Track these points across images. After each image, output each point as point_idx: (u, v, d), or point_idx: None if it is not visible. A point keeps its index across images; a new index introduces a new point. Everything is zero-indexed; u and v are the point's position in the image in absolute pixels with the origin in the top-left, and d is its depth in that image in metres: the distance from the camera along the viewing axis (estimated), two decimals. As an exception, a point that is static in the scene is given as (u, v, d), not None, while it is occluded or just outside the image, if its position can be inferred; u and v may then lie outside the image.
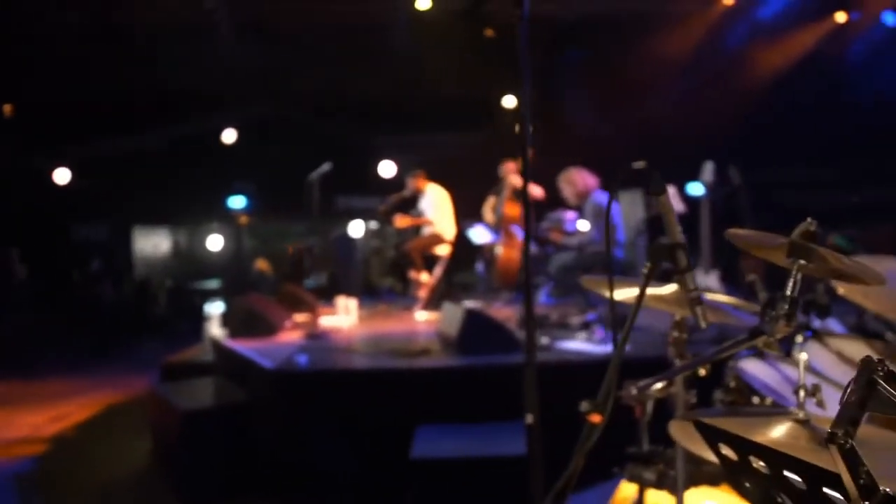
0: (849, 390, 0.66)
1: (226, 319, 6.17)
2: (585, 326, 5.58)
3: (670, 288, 1.50)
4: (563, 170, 6.44)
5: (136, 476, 5.16)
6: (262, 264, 13.01)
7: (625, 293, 1.76)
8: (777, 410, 1.35)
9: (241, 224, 12.69)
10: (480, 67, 10.91)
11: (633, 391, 1.26)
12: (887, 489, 0.58)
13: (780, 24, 9.79)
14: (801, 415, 1.02)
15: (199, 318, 11.46)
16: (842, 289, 1.96)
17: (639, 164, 1.31)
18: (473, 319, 4.85)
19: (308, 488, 4.34)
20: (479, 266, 8.73)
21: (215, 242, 13.57)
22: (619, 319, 4.96)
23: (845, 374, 1.97)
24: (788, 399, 1.69)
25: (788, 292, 1.23)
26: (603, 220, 5.71)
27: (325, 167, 5.91)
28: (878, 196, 10.66)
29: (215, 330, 7.42)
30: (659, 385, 1.28)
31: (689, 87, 10.77)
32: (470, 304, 7.55)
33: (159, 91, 11.26)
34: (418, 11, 9.26)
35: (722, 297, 1.66)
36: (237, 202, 14.42)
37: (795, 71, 10.09)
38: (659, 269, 1.31)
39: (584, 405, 1.16)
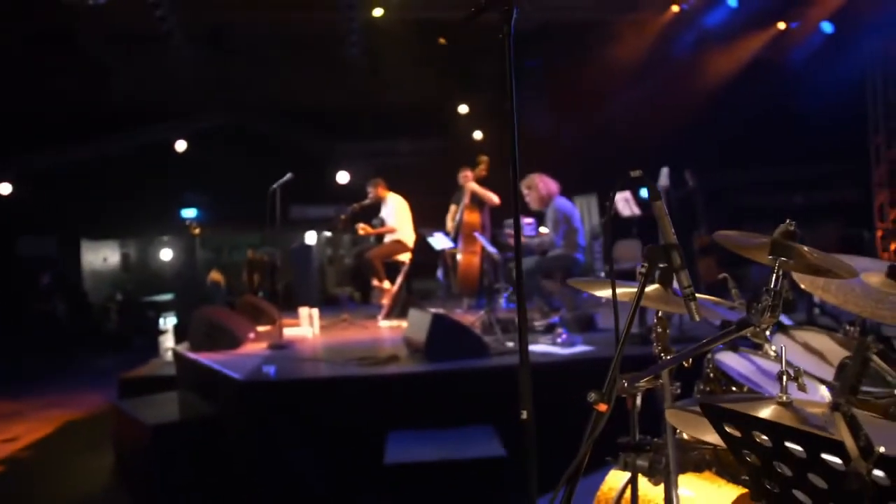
0: (847, 366, 0.76)
1: (187, 332, 6.09)
2: (550, 329, 5.69)
3: (653, 287, 1.59)
4: (522, 176, 6.57)
5: (99, 493, 5.06)
6: (215, 276, 12.83)
7: (603, 293, 1.85)
8: (756, 396, 1.45)
9: (194, 235, 12.47)
10: (435, 75, 11.03)
11: (625, 384, 1.34)
12: (882, 449, 0.67)
13: (727, 31, 10.14)
14: (784, 398, 1.12)
15: (153, 333, 11.25)
16: (805, 284, 2.09)
17: (636, 173, 1.40)
18: (441, 325, 4.91)
19: (281, 499, 4.33)
20: (440, 273, 8.80)
21: (167, 255, 13.35)
22: (583, 320, 5.08)
23: (812, 363, 2.10)
24: (762, 387, 1.80)
25: (772, 286, 1.33)
26: (565, 224, 5.85)
27: (287, 177, 5.90)
28: (822, 197, 11.13)
29: (171, 343, 7.32)
30: (648, 378, 1.37)
31: (643, 94, 11.07)
32: (432, 310, 7.63)
33: (108, 101, 11.04)
34: (373, 20, 9.31)
35: (703, 296, 1.76)
36: (190, 213, 14.22)
37: (743, 77, 10.46)
38: (654, 270, 1.40)
39: (591, 395, 1.24)
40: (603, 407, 1.20)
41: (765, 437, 0.81)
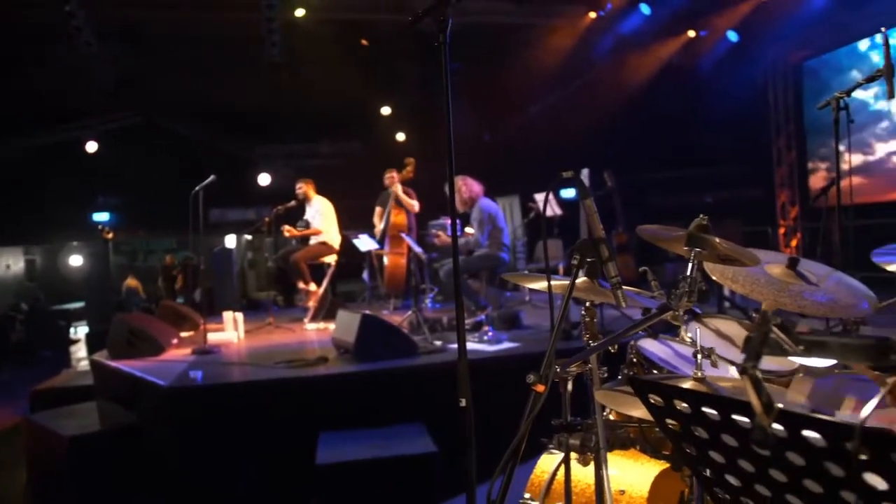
0: (752, 337, 0.87)
1: (105, 340, 5.89)
2: (476, 327, 5.81)
3: (582, 279, 1.70)
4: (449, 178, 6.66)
5: (12, 512, 4.85)
6: (131, 282, 12.42)
7: (538, 285, 1.96)
8: (675, 376, 1.58)
9: (107, 240, 12.00)
10: (357, 77, 11.01)
11: (557, 369, 1.44)
12: (781, 405, 0.78)
13: (641, 38, 10.56)
14: (698, 374, 1.24)
15: (63, 343, 10.77)
16: (716, 275, 2.26)
17: (568, 173, 1.49)
18: (370, 325, 4.95)
19: (210, 504, 4.28)
20: (365, 274, 8.81)
21: (77, 261, 12.82)
22: (508, 318, 5.21)
23: (722, 347, 2.27)
24: (679, 369, 1.94)
25: (688, 274, 1.46)
26: (489, 224, 5.98)
27: (210, 179, 5.80)
28: (729, 196, 11.72)
29: (83, 353, 7.06)
30: (578, 363, 1.47)
31: (563, 97, 11.39)
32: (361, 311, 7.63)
33: (13, 98, 10.51)
34: (294, 20, 9.24)
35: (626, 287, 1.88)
36: (102, 217, 13.69)
37: (657, 81, 10.92)
38: (584, 262, 1.50)
39: (530, 377, 1.32)
40: (541, 388, 1.29)
41: (684, 405, 0.92)
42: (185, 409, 4.44)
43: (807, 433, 0.79)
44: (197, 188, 5.75)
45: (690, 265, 1.50)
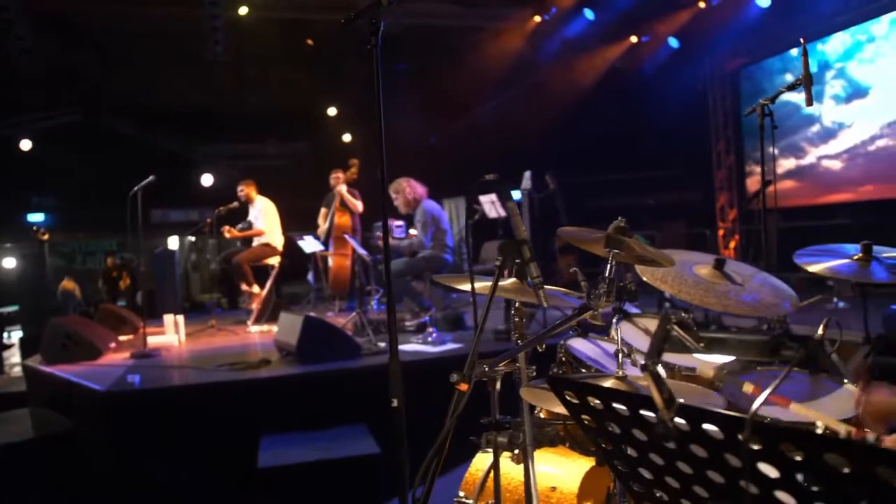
0: (654, 334, 0.91)
1: (39, 345, 5.70)
2: (421, 329, 5.83)
3: (511, 280, 1.73)
4: (390, 180, 6.66)
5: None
6: (68, 284, 12.02)
7: (467, 287, 1.99)
8: (600, 374, 1.63)
9: (42, 241, 11.59)
10: (302, 77, 10.91)
11: (485, 368, 1.47)
12: (682, 400, 0.82)
13: (585, 42, 10.75)
14: (620, 373, 1.28)
15: (-5, 348, 10.36)
16: (646, 276, 2.32)
17: (491, 176, 1.53)
18: (312, 327, 4.92)
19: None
20: (310, 276, 8.74)
21: (10, 263, 12.35)
22: (452, 319, 5.24)
23: (650, 347, 2.34)
24: (608, 368, 2.00)
25: (607, 275, 1.50)
26: (433, 226, 6.00)
27: (149, 179, 5.68)
28: (670, 198, 12.01)
29: (17, 359, 6.82)
30: (505, 362, 1.50)
31: (509, 99, 11.49)
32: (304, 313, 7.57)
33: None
34: (238, 18, 9.11)
35: (552, 287, 1.93)
36: (37, 218, 13.22)
37: (601, 85, 11.12)
38: (508, 263, 1.53)
39: (453, 376, 1.34)
40: (464, 386, 1.32)
41: (597, 401, 0.95)
42: (123, 413, 4.34)
43: (706, 426, 0.83)
44: (136, 188, 5.62)
45: (609, 266, 1.55)
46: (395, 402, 1.65)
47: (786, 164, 10.11)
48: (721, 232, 11.35)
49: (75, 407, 4.69)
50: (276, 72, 10.88)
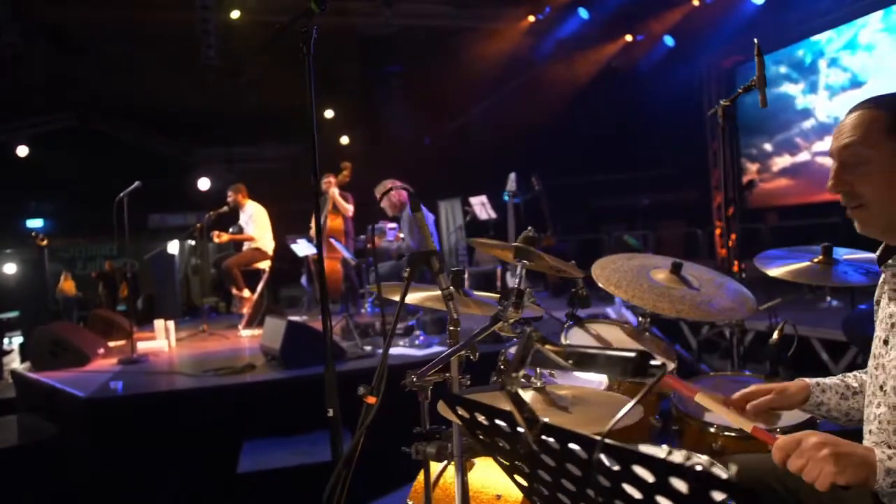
0: (515, 352, 0.90)
1: (29, 351, 5.74)
2: (408, 332, 5.83)
3: (447, 288, 1.72)
4: (377, 182, 6.65)
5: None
6: (66, 284, 12.05)
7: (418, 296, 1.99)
8: (526, 384, 1.61)
9: (41, 247, 11.63)
10: (298, 80, 10.90)
11: (413, 378, 1.47)
12: (546, 419, 0.81)
13: (580, 42, 10.72)
14: (538, 384, 1.28)
15: (-4, 355, 10.40)
16: (601, 282, 2.32)
17: (392, 183, 1.52)
18: (295, 331, 4.93)
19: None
20: (304, 279, 8.75)
21: (10, 269, 12.40)
22: (440, 322, 5.22)
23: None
24: (546, 377, 1.99)
25: (516, 285, 1.50)
26: (419, 229, 6.00)
27: (135, 185, 5.70)
28: (667, 198, 11.98)
29: (17, 364, 6.85)
30: (433, 371, 1.50)
31: (505, 99, 11.48)
32: (295, 317, 7.57)
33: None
34: (230, 22, 9.12)
35: (490, 295, 1.93)
36: (36, 223, 13.29)
37: (596, 85, 11.09)
38: (418, 273, 1.53)
39: (360, 389, 1.35)
40: (371, 399, 1.32)
41: (482, 417, 0.95)
42: (105, 419, 4.35)
43: (571, 445, 0.83)
44: (121, 194, 5.65)
45: (518, 276, 1.54)
46: (330, 412, 1.65)
47: (780, 161, 10.07)
48: (717, 231, 11.31)
49: (59, 413, 4.71)
50: (271, 75, 10.89)
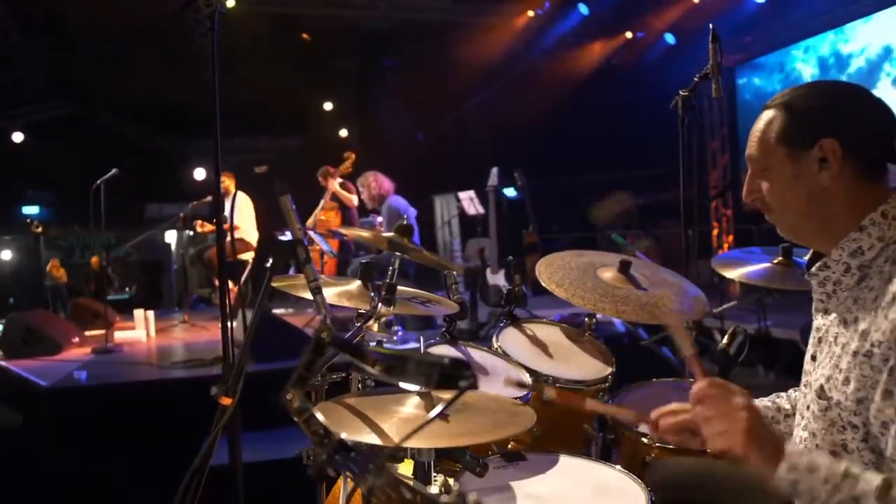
0: (301, 360, 0.82)
1: (2, 339, 5.68)
2: (387, 326, 5.74)
3: (356, 284, 1.64)
4: (360, 174, 6.56)
5: None
6: (55, 269, 11.99)
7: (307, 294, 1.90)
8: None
9: (37, 235, 11.56)
10: (295, 71, 10.83)
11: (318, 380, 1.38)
12: (343, 435, 0.72)
13: (579, 38, 10.60)
14: (350, 400, 1.20)
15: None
16: (543, 280, 2.22)
17: (260, 168, 1.44)
18: (265, 324, 4.85)
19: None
20: (292, 272, 8.67)
21: (6, 255, 12.38)
22: (419, 318, 5.12)
23: (532, 353, 2.24)
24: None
25: (388, 280, 1.41)
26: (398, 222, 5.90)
27: (112, 172, 5.65)
28: (665, 197, 11.82)
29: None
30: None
31: (501, 95, 11.36)
32: (280, 310, 7.51)
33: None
34: (225, 12, 9.02)
35: (416, 291, 1.83)
36: (32, 211, 13.27)
37: (595, 82, 10.96)
38: (282, 264, 1.45)
39: (213, 389, 1.26)
40: (227, 401, 1.23)
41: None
42: (66, 409, 4.29)
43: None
44: (98, 181, 5.60)
45: (390, 270, 1.45)
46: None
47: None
48: (715, 231, 11.18)
49: (25, 403, 4.65)
50: (267, 67, 10.81)
